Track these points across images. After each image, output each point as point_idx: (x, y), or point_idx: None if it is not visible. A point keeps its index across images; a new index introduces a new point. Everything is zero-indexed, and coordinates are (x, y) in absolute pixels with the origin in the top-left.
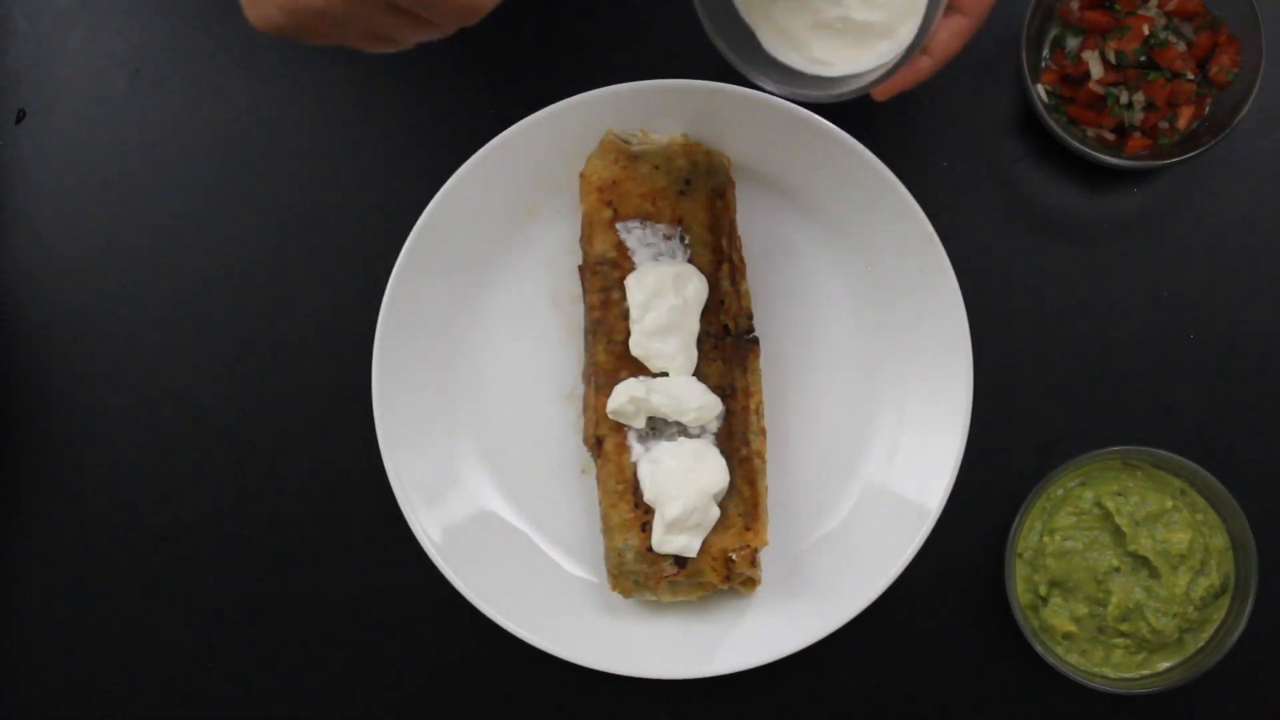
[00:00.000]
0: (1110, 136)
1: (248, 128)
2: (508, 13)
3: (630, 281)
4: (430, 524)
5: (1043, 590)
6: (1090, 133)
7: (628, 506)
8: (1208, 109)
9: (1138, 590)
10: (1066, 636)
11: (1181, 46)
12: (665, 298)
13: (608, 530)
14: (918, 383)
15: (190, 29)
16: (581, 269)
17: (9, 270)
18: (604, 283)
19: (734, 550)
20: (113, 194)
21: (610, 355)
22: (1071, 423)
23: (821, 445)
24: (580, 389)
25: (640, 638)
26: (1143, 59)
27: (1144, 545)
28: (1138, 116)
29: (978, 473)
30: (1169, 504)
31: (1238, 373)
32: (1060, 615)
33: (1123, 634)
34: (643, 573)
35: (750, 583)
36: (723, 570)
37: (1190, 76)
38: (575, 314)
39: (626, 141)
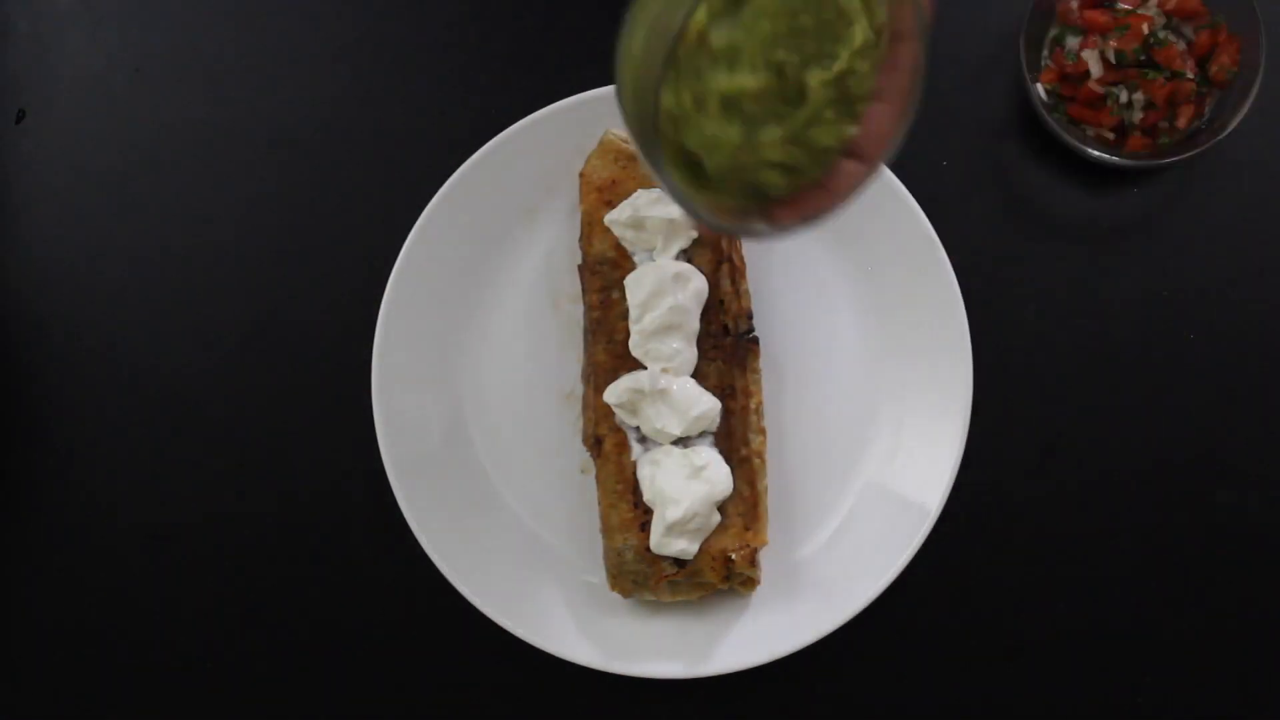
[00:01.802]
0: (1110, 136)
1: (247, 128)
2: (508, 12)
3: (630, 281)
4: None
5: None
6: (1090, 132)
7: (627, 506)
8: (1208, 109)
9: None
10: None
11: (1181, 46)
12: (665, 297)
13: (607, 530)
14: (918, 382)
15: (190, 29)
16: (581, 269)
17: (9, 270)
18: (604, 282)
19: (733, 550)
20: (113, 194)
21: (610, 355)
22: (1071, 423)
23: (821, 445)
24: (580, 389)
25: (640, 638)
26: (1142, 58)
27: None
28: (1137, 116)
29: (978, 473)
30: None
31: (1238, 373)
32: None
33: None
34: (642, 572)
35: (750, 582)
36: (722, 570)
37: (1190, 76)
38: (575, 314)
39: (627, 141)
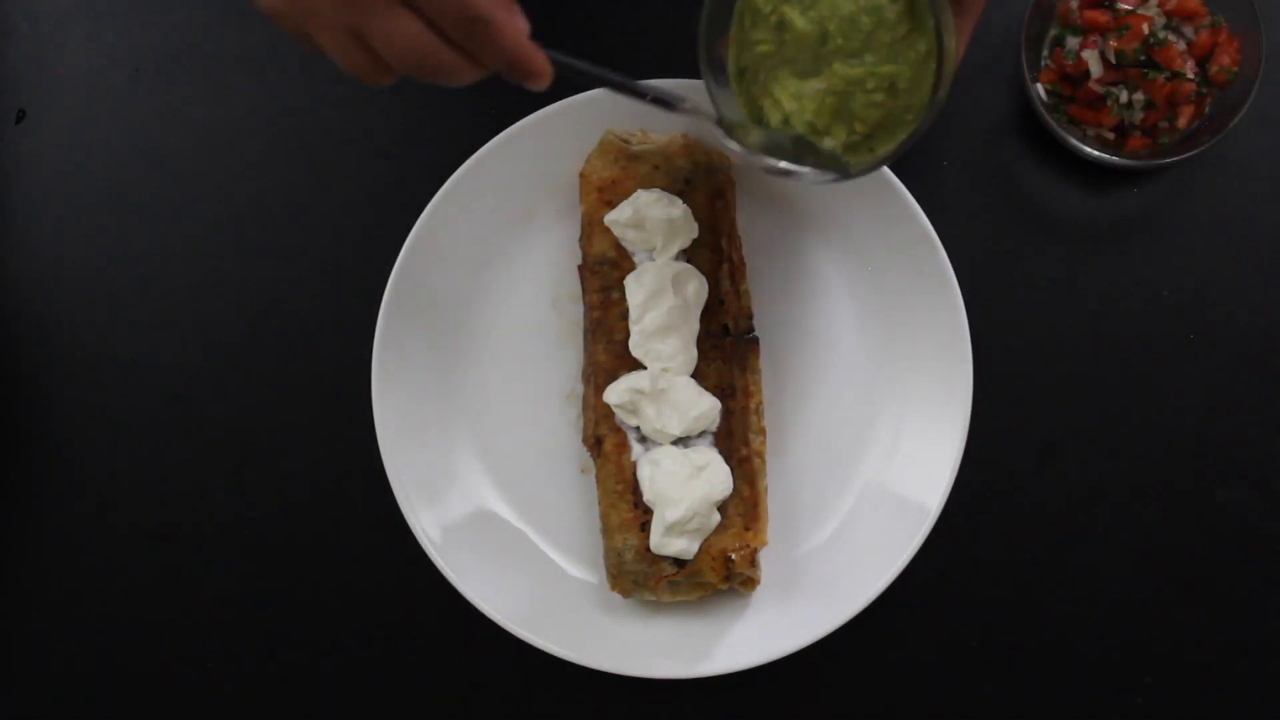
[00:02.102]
0: (1110, 136)
1: (248, 128)
2: None
3: (630, 281)
4: (430, 523)
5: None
6: (1090, 132)
7: (627, 506)
8: (1208, 109)
9: None
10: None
11: (1181, 46)
12: (665, 298)
13: (607, 530)
14: (918, 382)
15: (190, 29)
16: (581, 269)
17: (9, 270)
18: (604, 282)
19: (733, 550)
20: (113, 194)
21: (610, 355)
22: (1071, 423)
23: (821, 445)
24: (580, 389)
25: (640, 638)
26: (1143, 58)
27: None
28: (1137, 116)
29: (978, 473)
30: None
31: (1238, 373)
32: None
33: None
34: (642, 572)
35: (750, 582)
36: (722, 570)
37: (1190, 76)
38: (575, 314)
39: (626, 141)
